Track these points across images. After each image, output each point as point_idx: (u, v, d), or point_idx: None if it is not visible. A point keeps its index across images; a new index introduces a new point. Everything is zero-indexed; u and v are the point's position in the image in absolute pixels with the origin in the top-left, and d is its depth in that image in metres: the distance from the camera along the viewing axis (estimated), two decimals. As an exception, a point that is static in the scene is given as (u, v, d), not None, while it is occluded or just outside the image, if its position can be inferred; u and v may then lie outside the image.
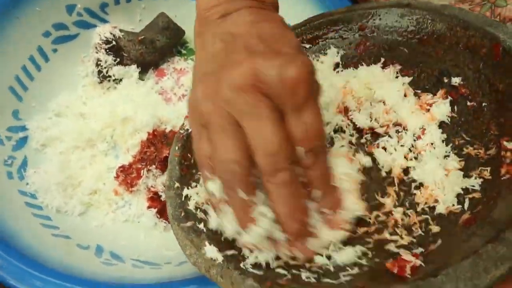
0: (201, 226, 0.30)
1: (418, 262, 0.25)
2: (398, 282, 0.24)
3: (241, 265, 0.27)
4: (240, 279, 0.26)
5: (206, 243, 0.29)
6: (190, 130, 0.37)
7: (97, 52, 0.50)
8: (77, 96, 0.52)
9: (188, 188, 0.33)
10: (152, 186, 0.45)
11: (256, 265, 0.28)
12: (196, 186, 0.33)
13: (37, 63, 0.50)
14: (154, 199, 0.45)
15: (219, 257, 0.28)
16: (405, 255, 0.25)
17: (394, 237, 0.28)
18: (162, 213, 0.45)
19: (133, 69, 0.52)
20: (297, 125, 0.26)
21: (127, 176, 0.45)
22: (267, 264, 0.28)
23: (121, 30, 0.52)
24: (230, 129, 0.26)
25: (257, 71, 0.25)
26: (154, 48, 0.53)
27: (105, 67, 0.50)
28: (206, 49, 0.29)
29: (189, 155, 0.35)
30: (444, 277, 0.22)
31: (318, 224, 0.28)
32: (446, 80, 0.34)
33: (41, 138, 0.48)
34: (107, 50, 0.50)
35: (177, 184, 0.34)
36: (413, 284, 0.22)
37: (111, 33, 0.50)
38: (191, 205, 0.32)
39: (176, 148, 0.36)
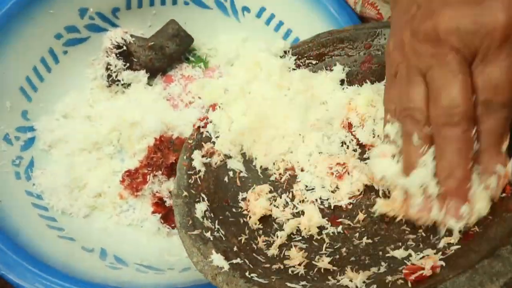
0: (208, 234, 0.31)
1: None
2: None
3: (247, 274, 0.28)
4: (245, 287, 0.27)
5: (213, 251, 0.30)
6: (199, 140, 0.38)
7: (107, 56, 0.51)
8: (85, 99, 0.53)
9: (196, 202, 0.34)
10: (157, 192, 0.46)
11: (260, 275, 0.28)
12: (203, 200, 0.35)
13: (48, 65, 0.50)
14: (159, 204, 0.46)
15: (226, 265, 0.29)
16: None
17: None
18: (166, 218, 0.46)
19: (142, 74, 0.52)
20: (480, 75, 0.25)
21: (133, 180, 0.46)
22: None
23: (131, 36, 0.52)
24: (414, 80, 0.27)
25: (450, 21, 0.24)
26: (163, 55, 0.53)
27: (114, 71, 0.51)
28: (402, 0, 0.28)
29: (195, 163, 0.37)
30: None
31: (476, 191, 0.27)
32: None
33: (48, 139, 0.48)
34: (118, 55, 0.51)
35: (185, 193, 0.34)
36: None
37: (122, 38, 0.51)
38: (198, 214, 0.33)
39: (185, 157, 0.37)
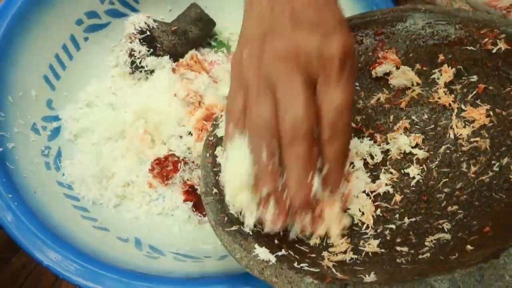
0: (247, 229, 0.30)
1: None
2: (461, 266, 0.24)
3: (295, 264, 0.28)
4: (297, 278, 0.26)
5: (256, 245, 0.28)
6: (219, 137, 0.37)
7: (131, 42, 0.49)
8: (106, 87, 0.52)
9: None
10: (188, 179, 0.45)
11: (311, 264, 0.28)
12: None
13: (69, 52, 0.49)
14: (190, 192, 0.45)
15: (272, 258, 0.28)
16: None
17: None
18: (197, 206, 0.45)
19: (166, 60, 0.51)
20: (324, 98, 0.27)
21: (163, 169, 0.45)
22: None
23: (154, 20, 0.51)
24: (265, 92, 0.28)
25: (298, 44, 0.27)
26: (187, 39, 0.52)
27: (138, 58, 0.50)
28: (254, 11, 0.29)
29: (218, 161, 0.35)
30: (506, 257, 0.22)
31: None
32: (464, 78, 0.35)
33: (73, 129, 0.47)
34: (141, 40, 0.49)
35: (214, 190, 0.33)
36: (476, 267, 0.23)
37: (145, 23, 0.50)
38: (232, 210, 0.32)
39: (207, 154, 0.36)
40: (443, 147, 0.35)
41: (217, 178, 0.34)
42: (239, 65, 0.29)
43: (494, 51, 0.33)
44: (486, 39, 0.34)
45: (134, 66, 0.50)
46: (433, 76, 0.37)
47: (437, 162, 0.35)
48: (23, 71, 0.43)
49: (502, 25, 0.33)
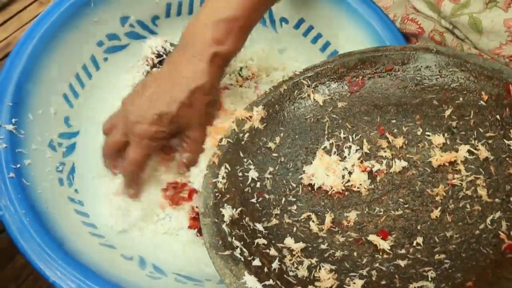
0: (238, 254, 0.31)
1: None
2: None
3: None
4: None
5: (245, 272, 0.30)
6: (222, 157, 0.38)
7: (147, 65, 0.51)
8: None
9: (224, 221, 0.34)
10: (196, 207, 0.46)
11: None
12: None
13: (89, 71, 0.51)
14: (196, 219, 0.46)
15: (259, 287, 0.29)
16: None
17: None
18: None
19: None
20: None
21: (177, 194, 0.46)
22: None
23: (171, 44, 0.53)
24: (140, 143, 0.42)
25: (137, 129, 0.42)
26: (201, 64, 0.54)
27: (154, 80, 0.51)
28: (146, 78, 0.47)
29: (219, 185, 0.36)
30: None
31: None
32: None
33: (88, 146, 0.49)
34: (158, 64, 0.51)
35: (212, 212, 0.34)
36: None
37: (162, 47, 0.51)
38: (227, 233, 0.33)
39: (211, 176, 0.37)
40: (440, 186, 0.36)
41: (215, 201, 0.35)
42: (126, 115, 0.43)
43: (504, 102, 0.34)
44: (493, 89, 0.35)
45: (149, 87, 0.52)
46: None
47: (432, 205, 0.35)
48: (44, 89, 0.45)
49: (510, 76, 0.34)
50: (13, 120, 0.41)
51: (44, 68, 0.45)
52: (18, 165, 0.39)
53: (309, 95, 0.42)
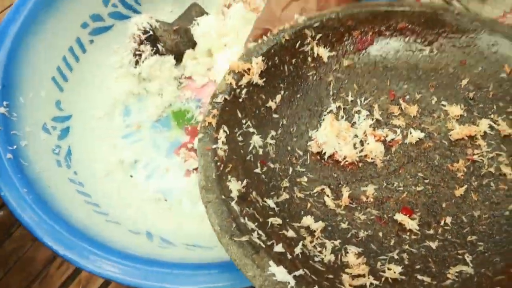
0: (257, 239, 0.26)
1: None
2: None
3: None
4: None
5: (271, 262, 0.24)
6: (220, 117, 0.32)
7: (134, 42, 0.51)
8: (111, 88, 0.53)
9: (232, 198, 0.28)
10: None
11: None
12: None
13: (76, 54, 0.50)
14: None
15: (291, 280, 0.24)
16: None
17: None
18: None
19: (169, 59, 0.53)
20: None
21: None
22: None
23: (157, 20, 0.52)
24: None
25: None
26: (189, 38, 0.53)
27: (143, 57, 0.51)
28: None
29: (219, 152, 0.30)
30: None
31: None
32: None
33: (83, 130, 0.48)
34: (145, 40, 0.51)
35: (218, 187, 0.28)
36: None
37: (148, 23, 0.51)
38: (239, 213, 0.27)
39: (208, 139, 0.30)
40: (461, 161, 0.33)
41: (217, 172, 0.29)
42: None
43: None
44: None
45: (138, 65, 0.51)
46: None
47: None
48: (33, 72, 0.44)
49: None
50: (5, 103, 0.40)
51: (30, 51, 0.44)
52: (15, 146, 0.38)
53: (312, 49, 0.37)
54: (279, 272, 0.24)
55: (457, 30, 0.35)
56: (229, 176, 0.29)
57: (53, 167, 0.42)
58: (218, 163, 0.29)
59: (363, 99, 0.37)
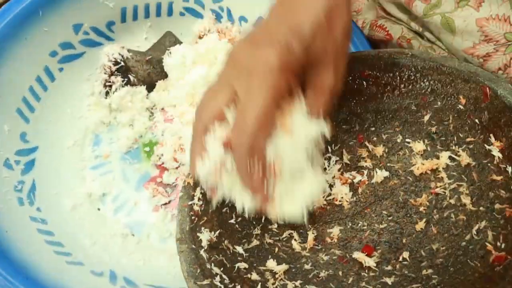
0: (218, 283, 0.29)
1: None
2: None
3: None
4: None
5: None
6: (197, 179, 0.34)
7: (105, 73, 0.50)
8: (82, 116, 0.52)
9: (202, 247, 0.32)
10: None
11: None
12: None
13: (44, 84, 0.49)
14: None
15: None
16: None
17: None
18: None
19: (140, 90, 0.52)
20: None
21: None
22: None
23: (128, 50, 0.51)
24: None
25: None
26: (161, 68, 0.53)
27: (113, 88, 0.50)
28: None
29: (195, 208, 0.34)
30: None
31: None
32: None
33: (49, 161, 0.47)
34: (115, 71, 0.50)
35: (190, 238, 0.32)
36: None
37: (119, 54, 0.50)
38: (206, 260, 0.31)
39: (186, 197, 0.35)
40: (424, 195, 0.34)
41: (191, 225, 0.33)
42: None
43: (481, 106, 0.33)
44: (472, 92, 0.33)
45: (109, 96, 0.50)
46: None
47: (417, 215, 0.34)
48: (-5, 106, 0.43)
49: (486, 79, 0.33)
50: (-38, 141, 0.39)
51: (-8, 85, 0.43)
52: (-29, 189, 0.37)
53: None
54: None
55: (415, 70, 0.37)
56: (203, 228, 0.33)
57: (13, 206, 0.41)
58: (193, 217, 0.33)
59: (333, 145, 0.39)
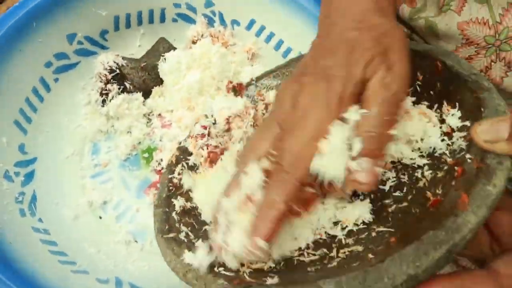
0: (183, 237, 0.32)
1: None
2: (347, 270, 0.25)
3: (214, 269, 0.29)
4: (211, 280, 0.28)
5: (186, 250, 0.30)
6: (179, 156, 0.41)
7: (101, 81, 0.50)
8: (80, 126, 0.52)
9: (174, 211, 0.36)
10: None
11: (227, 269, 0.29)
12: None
13: (40, 94, 0.49)
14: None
15: (196, 262, 0.29)
16: None
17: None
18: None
19: (137, 97, 0.52)
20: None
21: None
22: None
23: (123, 58, 0.52)
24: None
25: None
26: (156, 74, 0.53)
27: (109, 96, 0.50)
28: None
29: (174, 180, 0.39)
30: (390, 262, 0.24)
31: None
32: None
33: (48, 172, 0.47)
34: (111, 79, 0.50)
35: (164, 203, 0.37)
36: (362, 271, 0.24)
37: (114, 62, 0.50)
38: (175, 220, 0.34)
39: (168, 172, 0.40)
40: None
41: (168, 194, 0.38)
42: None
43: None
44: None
45: (105, 104, 0.51)
46: None
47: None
48: (-8, 119, 0.43)
49: (439, 54, 0.34)
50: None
51: (-12, 98, 0.43)
52: (-27, 202, 0.37)
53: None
54: (188, 257, 0.29)
55: None
56: (179, 197, 0.37)
57: (15, 217, 0.41)
58: (171, 187, 0.38)
59: None
